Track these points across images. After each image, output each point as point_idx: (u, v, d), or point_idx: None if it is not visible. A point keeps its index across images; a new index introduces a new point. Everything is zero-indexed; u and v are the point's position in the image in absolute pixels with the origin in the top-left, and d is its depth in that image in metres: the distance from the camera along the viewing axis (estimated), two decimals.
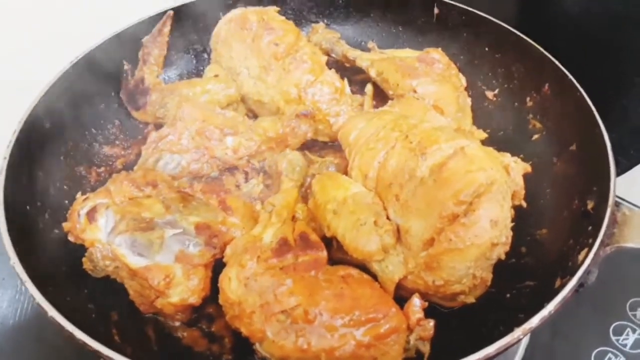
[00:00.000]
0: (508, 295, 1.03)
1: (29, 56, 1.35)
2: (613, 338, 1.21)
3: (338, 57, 1.50)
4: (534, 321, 0.82)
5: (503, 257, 0.96)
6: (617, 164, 1.05)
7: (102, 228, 1.04)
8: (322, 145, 1.37)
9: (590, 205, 1.03)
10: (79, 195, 1.09)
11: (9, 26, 1.38)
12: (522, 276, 1.05)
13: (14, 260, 0.90)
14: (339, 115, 1.33)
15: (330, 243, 1.06)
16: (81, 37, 1.35)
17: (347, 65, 1.49)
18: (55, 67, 1.27)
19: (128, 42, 1.38)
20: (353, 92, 1.41)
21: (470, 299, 0.99)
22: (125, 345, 0.94)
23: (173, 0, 1.47)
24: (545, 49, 1.30)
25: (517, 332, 0.80)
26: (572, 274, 0.88)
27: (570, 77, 1.21)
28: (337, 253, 1.06)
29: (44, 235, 1.08)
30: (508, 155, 1.05)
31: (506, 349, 0.80)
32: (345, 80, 1.38)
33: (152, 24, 1.41)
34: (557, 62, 1.26)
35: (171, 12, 1.41)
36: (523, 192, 1.03)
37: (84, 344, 0.80)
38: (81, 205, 1.07)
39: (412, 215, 0.97)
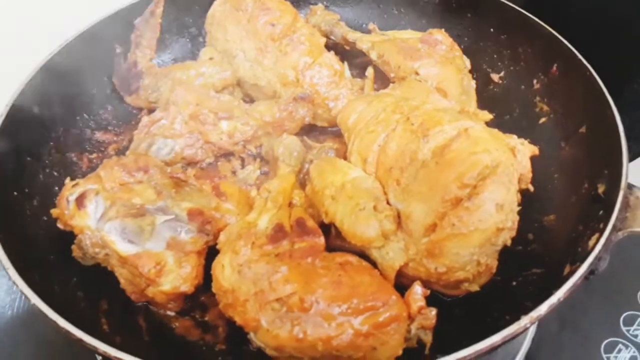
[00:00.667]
0: (514, 283, 0.99)
1: (16, 39, 1.31)
2: (623, 328, 1.17)
3: (337, 40, 1.45)
4: (542, 309, 0.77)
5: (509, 243, 0.92)
6: (629, 149, 1.00)
7: (91, 214, 1.00)
8: (321, 131, 1.33)
9: (601, 189, 0.98)
10: (67, 180, 1.05)
11: None
12: (529, 263, 1.01)
13: None
14: (338, 99, 1.28)
15: (329, 230, 1.02)
16: (72, 19, 1.31)
17: (347, 48, 1.44)
18: (44, 51, 1.23)
19: (120, 25, 1.34)
20: (353, 76, 1.37)
21: (475, 287, 0.95)
22: (114, 335, 0.90)
23: None
24: (554, 30, 1.25)
25: (525, 320, 0.76)
26: (582, 261, 0.84)
27: (580, 56, 1.16)
28: (335, 240, 1.02)
29: (31, 222, 1.05)
30: (514, 137, 1.00)
31: (513, 337, 0.76)
32: (345, 63, 1.33)
33: (145, 6, 1.36)
34: (565, 42, 1.20)
35: None
36: (530, 175, 0.98)
37: (67, 333, 0.76)
38: (70, 191, 1.03)
39: (413, 199, 0.92)
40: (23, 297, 1.29)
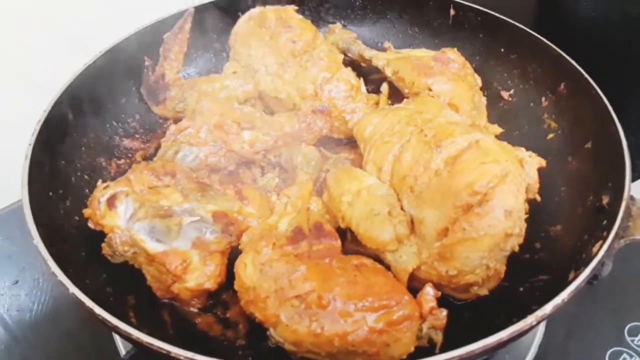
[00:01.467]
0: (521, 289, 1.04)
1: (54, 50, 1.39)
2: (628, 338, 1.20)
3: (354, 57, 1.52)
4: (547, 308, 0.82)
5: (517, 249, 0.96)
6: (635, 168, 1.04)
7: (121, 215, 1.06)
8: (337, 142, 1.39)
9: (605, 200, 1.03)
10: (99, 183, 1.12)
11: (35, 21, 1.42)
12: (536, 271, 1.05)
13: (37, 239, 0.92)
14: (354, 112, 1.34)
15: (344, 235, 1.07)
16: (104, 32, 1.39)
17: (363, 65, 1.51)
18: (80, 61, 1.31)
19: (150, 39, 1.42)
20: (368, 92, 1.43)
21: (484, 291, 0.99)
22: (141, 328, 0.95)
23: None
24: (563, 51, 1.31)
25: (530, 319, 0.81)
26: (586, 265, 0.88)
27: (586, 75, 1.22)
28: (350, 245, 1.07)
29: (64, 221, 1.10)
30: (522, 149, 1.05)
31: (519, 335, 0.80)
32: (361, 79, 1.40)
33: (174, 21, 1.44)
34: (573, 62, 1.26)
35: (192, 10, 1.45)
36: (537, 185, 1.03)
37: (104, 320, 0.82)
38: (102, 192, 1.09)
39: (426, 206, 0.98)
40: (43, 299, 1.36)
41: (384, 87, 1.44)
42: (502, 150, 0.99)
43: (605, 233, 0.93)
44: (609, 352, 1.18)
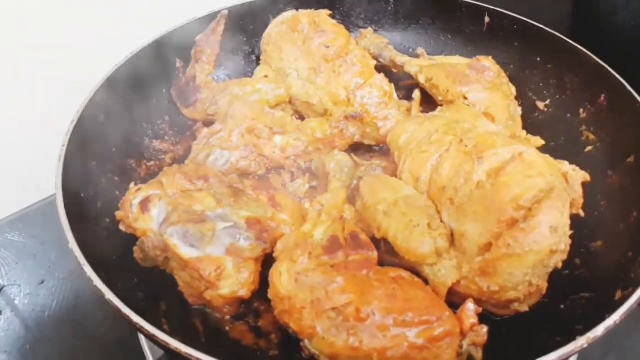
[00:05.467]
0: (562, 306, 1.01)
1: (86, 52, 1.39)
2: None
3: (386, 63, 1.50)
4: (599, 330, 0.79)
5: (560, 265, 0.94)
6: None
7: (154, 218, 1.05)
8: (368, 149, 1.37)
9: None
10: (132, 185, 1.11)
11: (68, 23, 1.42)
12: (577, 288, 1.02)
13: (72, 243, 0.91)
14: (387, 119, 1.32)
15: (379, 246, 1.05)
16: (136, 34, 1.38)
17: (394, 70, 1.49)
18: (111, 63, 1.30)
19: (181, 40, 1.41)
20: (400, 98, 1.41)
21: (524, 308, 0.97)
22: (174, 335, 0.93)
23: (226, 1, 1.49)
24: (602, 61, 1.28)
25: (582, 341, 0.78)
26: (636, 286, 0.85)
27: (629, 87, 1.18)
28: (385, 256, 1.05)
29: (96, 224, 1.09)
30: (566, 163, 1.02)
31: (568, 356, 0.77)
32: (392, 85, 1.38)
33: (206, 23, 1.43)
34: (614, 73, 1.23)
35: (226, 12, 1.43)
36: (582, 200, 1.00)
37: (140, 328, 0.80)
38: (134, 195, 1.08)
39: (467, 219, 0.95)
40: (62, 299, 1.35)
41: (416, 94, 1.41)
42: (547, 163, 0.96)
43: None
44: None
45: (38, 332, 1.30)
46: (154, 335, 0.79)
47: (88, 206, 1.10)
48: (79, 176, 1.11)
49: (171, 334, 0.91)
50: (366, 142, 1.35)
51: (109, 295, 0.84)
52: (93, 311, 1.33)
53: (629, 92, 1.18)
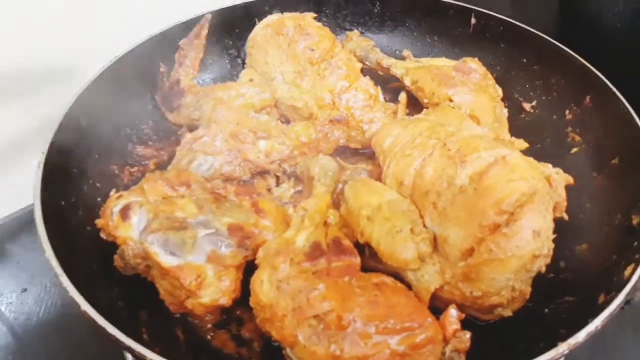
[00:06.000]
0: (546, 310, 1.00)
1: (67, 56, 1.37)
2: None
3: (372, 65, 1.49)
4: (580, 336, 0.78)
5: (544, 269, 0.93)
6: None
7: (134, 226, 1.04)
8: (354, 152, 1.36)
9: (635, 220, 0.99)
10: (112, 192, 1.09)
11: (48, 29, 1.40)
12: (561, 291, 1.02)
13: (49, 253, 0.90)
14: (372, 122, 1.32)
15: (362, 250, 1.04)
16: (118, 38, 1.37)
17: (380, 73, 1.48)
18: (93, 68, 1.28)
19: (165, 44, 1.40)
20: (386, 100, 1.40)
21: (508, 312, 0.96)
22: (153, 344, 0.92)
23: (210, 4, 1.48)
24: (587, 62, 1.27)
25: (562, 347, 0.77)
26: (619, 290, 0.85)
27: (614, 89, 1.18)
28: (369, 261, 1.04)
29: (76, 232, 1.08)
30: (549, 165, 1.02)
31: None
32: (379, 87, 1.37)
33: (190, 27, 1.42)
34: (599, 73, 1.23)
35: (209, 16, 1.42)
36: (565, 204, 1.00)
37: (116, 340, 0.79)
38: (115, 202, 1.07)
39: (450, 223, 0.94)
40: (50, 305, 1.34)
41: (402, 97, 1.41)
42: (530, 166, 0.96)
43: (637, 256, 0.89)
44: None
45: (21, 340, 1.28)
46: (129, 347, 0.78)
47: (69, 214, 1.09)
48: (59, 183, 1.09)
49: (151, 343, 0.91)
50: (352, 145, 1.34)
51: (85, 306, 0.83)
52: (79, 319, 1.31)
53: (614, 93, 1.18)
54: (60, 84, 1.22)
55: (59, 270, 0.87)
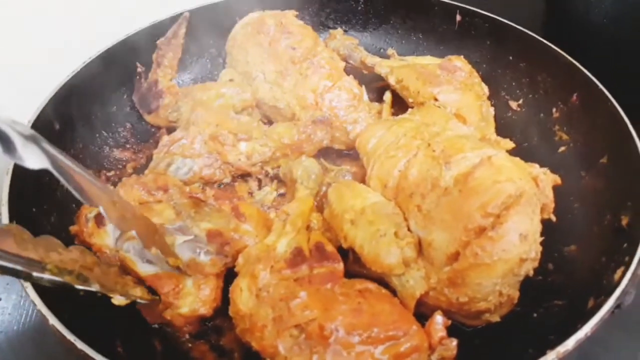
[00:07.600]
0: (535, 314, 0.98)
1: (40, 57, 1.32)
2: None
3: (356, 64, 1.46)
4: (569, 343, 0.76)
5: (531, 273, 0.90)
6: None
7: (110, 233, 1.00)
8: (338, 153, 1.33)
9: (624, 221, 0.97)
10: None
11: (22, 28, 1.35)
12: (550, 294, 0.99)
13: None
14: (356, 122, 1.29)
15: (346, 255, 1.01)
16: (94, 38, 1.32)
17: (365, 72, 1.45)
18: (67, 68, 1.24)
19: (142, 44, 1.35)
20: (371, 100, 1.37)
21: (495, 318, 0.93)
22: (129, 357, 0.89)
23: (188, 3, 1.44)
24: (574, 59, 1.25)
25: (551, 356, 0.74)
26: (608, 294, 0.82)
27: (601, 86, 1.16)
28: (353, 266, 1.01)
29: None
30: (536, 166, 0.99)
31: None
32: (363, 87, 1.34)
33: (167, 26, 1.38)
34: (586, 71, 1.20)
35: (187, 14, 1.38)
36: (553, 205, 0.97)
37: (85, 356, 0.75)
38: (89, 209, 1.03)
39: (435, 227, 0.91)
40: (30, 313, 1.29)
41: (387, 96, 1.38)
42: (516, 167, 0.93)
43: (627, 258, 0.87)
44: None
45: None
46: None
47: (40, 221, 1.05)
48: (29, 190, 1.05)
49: (125, 355, 0.87)
50: (336, 146, 1.32)
51: (53, 320, 0.79)
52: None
53: (601, 90, 1.16)
54: (30, 86, 1.17)
55: (25, 282, 0.83)
